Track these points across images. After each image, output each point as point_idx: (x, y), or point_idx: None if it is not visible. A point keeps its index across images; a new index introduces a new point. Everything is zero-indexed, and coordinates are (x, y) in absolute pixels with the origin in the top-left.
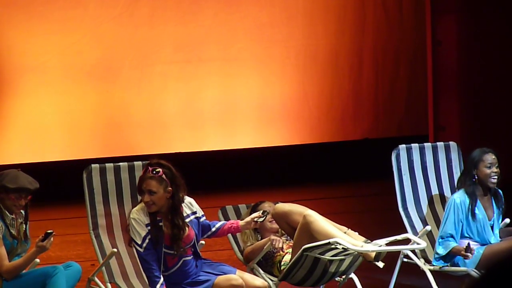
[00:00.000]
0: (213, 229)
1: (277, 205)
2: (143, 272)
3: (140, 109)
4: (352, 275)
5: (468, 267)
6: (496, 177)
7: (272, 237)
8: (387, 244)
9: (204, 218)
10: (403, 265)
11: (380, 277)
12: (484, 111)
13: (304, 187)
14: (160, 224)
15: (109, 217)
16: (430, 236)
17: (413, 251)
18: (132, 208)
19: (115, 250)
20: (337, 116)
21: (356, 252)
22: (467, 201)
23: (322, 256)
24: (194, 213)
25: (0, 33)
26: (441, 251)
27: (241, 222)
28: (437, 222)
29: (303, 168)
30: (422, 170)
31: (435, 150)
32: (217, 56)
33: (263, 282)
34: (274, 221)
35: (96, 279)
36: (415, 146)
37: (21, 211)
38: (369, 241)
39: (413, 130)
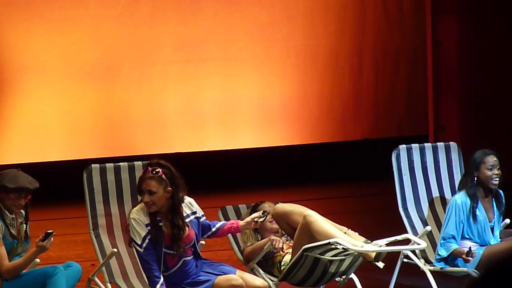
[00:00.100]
0: (213, 229)
1: (277, 205)
2: (143, 272)
3: (140, 109)
4: (352, 275)
5: (468, 267)
6: (497, 179)
7: (272, 237)
8: (387, 245)
9: (204, 218)
10: (403, 266)
11: (380, 277)
12: (484, 111)
13: (304, 187)
14: (160, 224)
15: (109, 217)
16: (430, 236)
17: (413, 252)
18: (132, 208)
19: (115, 250)
20: (337, 116)
21: (356, 252)
22: (468, 202)
23: (322, 256)
24: (194, 213)
25: (0, 33)
26: (443, 252)
27: (241, 222)
28: (437, 222)
29: (303, 168)
30: (422, 170)
31: (435, 150)
32: (217, 56)
33: (263, 282)
34: (274, 221)
35: (96, 279)
36: (415, 146)
37: (21, 211)
38: (369, 241)
39: (413, 130)
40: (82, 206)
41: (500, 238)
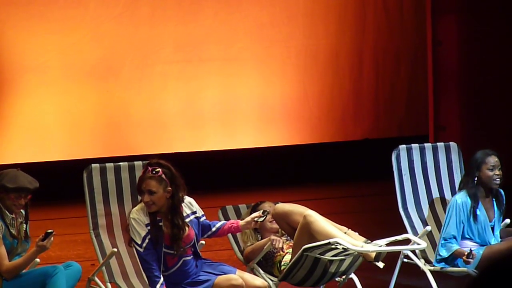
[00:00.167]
0: (213, 229)
1: (277, 205)
2: (143, 272)
3: (140, 109)
4: (352, 275)
5: (468, 267)
6: (498, 179)
7: (272, 237)
8: (387, 245)
9: (204, 218)
10: (403, 266)
11: (380, 277)
12: (484, 111)
13: (304, 187)
14: (160, 224)
15: (109, 216)
16: (430, 236)
17: (413, 252)
18: (132, 208)
19: (115, 249)
20: (338, 116)
21: (356, 252)
22: (469, 202)
23: (322, 256)
24: (194, 213)
25: (0, 33)
26: (444, 253)
27: (241, 222)
28: (437, 222)
29: (303, 168)
30: (422, 171)
31: (435, 151)
32: (217, 56)
33: (263, 282)
34: (274, 221)
35: (96, 278)
36: (415, 146)
37: (21, 210)
38: (369, 241)
39: (414, 130)
40: (82, 206)
41: (500, 237)
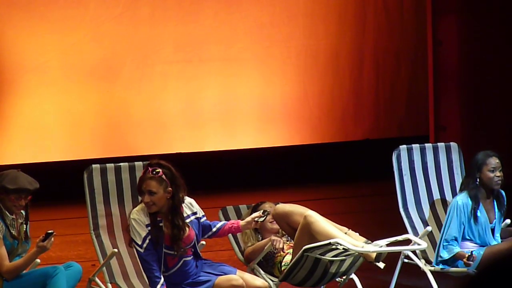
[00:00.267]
0: (214, 229)
1: (277, 205)
2: (143, 273)
3: (141, 109)
4: (353, 276)
5: (468, 268)
6: (499, 181)
7: (273, 237)
8: (387, 245)
9: (205, 218)
10: (404, 266)
11: (381, 278)
12: (484, 111)
13: (304, 187)
14: (160, 224)
15: (110, 217)
16: (430, 236)
17: (413, 252)
18: (133, 208)
19: (115, 250)
20: (338, 116)
21: (357, 253)
22: (470, 203)
23: (322, 257)
24: (195, 213)
25: (0, 33)
26: (445, 255)
27: (241, 222)
28: (438, 222)
29: (303, 168)
30: (423, 171)
31: (435, 151)
32: (217, 56)
33: (264, 283)
34: (274, 222)
35: (97, 279)
36: (415, 146)
37: (21, 211)
38: (369, 241)
39: (414, 131)
40: (82, 206)
41: (501, 237)
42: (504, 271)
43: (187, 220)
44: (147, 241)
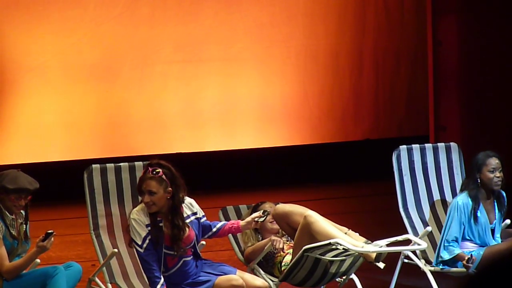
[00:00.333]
0: (214, 229)
1: (277, 205)
2: (143, 273)
3: (140, 109)
4: (353, 276)
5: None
6: (499, 181)
7: (273, 237)
8: (387, 245)
9: (205, 218)
10: (404, 266)
11: (381, 278)
12: (485, 111)
13: (304, 187)
14: (160, 224)
15: (110, 217)
16: (430, 237)
17: (413, 252)
18: (133, 208)
19: (115, 250)
20: (338, 116)
21: (357, 253)
22: (470, 204)
23: (322, 257)
24: (195, 213)
25: (0, 33)
26: (446, 255)
27: (241, 222)
28: (438, 223)
29: (303, 168)
30: (423, 171)
31: (435, 151)
32: (217, 56)
33: (264, 283)
34: (274, 222)
35: (97, 279)
36: (415, 146)
37: (21, 211)
38: (369, 241)
39: (414, 131)
40: (82, 207)
41: (501, 238)
42: (503, 271)
43: (187, 220)
44: (147, 241)
